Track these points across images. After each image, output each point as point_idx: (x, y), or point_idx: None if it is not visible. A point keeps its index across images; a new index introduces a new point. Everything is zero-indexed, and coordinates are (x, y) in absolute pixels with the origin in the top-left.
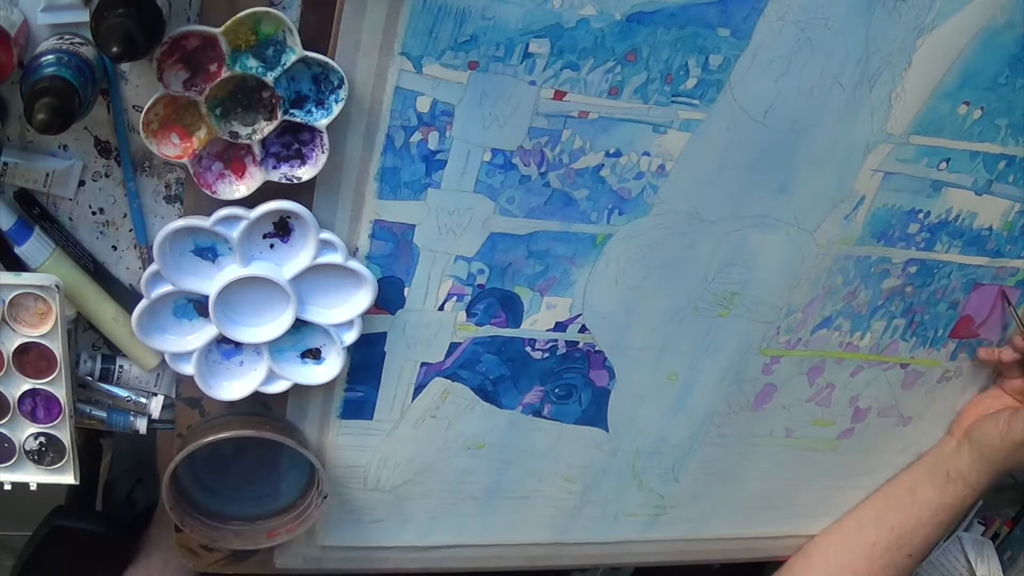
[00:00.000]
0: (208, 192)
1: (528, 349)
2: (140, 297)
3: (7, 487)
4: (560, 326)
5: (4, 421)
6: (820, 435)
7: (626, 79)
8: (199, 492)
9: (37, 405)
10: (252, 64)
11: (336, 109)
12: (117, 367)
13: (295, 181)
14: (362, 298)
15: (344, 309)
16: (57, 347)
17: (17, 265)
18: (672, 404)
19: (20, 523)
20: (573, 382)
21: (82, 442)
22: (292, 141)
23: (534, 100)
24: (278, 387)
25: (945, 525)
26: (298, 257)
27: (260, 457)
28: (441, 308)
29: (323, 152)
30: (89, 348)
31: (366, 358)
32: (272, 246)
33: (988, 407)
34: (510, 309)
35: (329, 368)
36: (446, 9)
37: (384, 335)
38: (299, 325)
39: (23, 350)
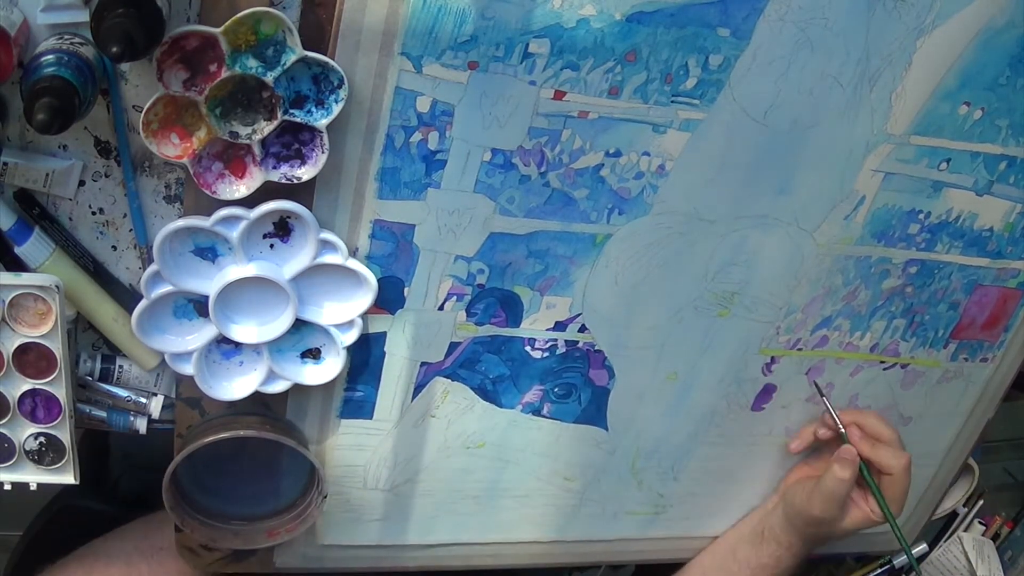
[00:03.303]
0: (208, 192)
1: (528, 348)
2: (140, 297)
3: (7, 487)
4: (560, 325)
5: (4, 421)
6: None
7: (626, 79)
8: (199, 492)
9: (37, 405)
10: (252, 64)
11: (336, 109)
12: (117, 367)
13: (295, 181)
14: (362, 298)
15: (344, 309)
16: (57, 347)
17: (17, 265)
18: (671, 403)
19: (20, 523)
20: (573, 381)
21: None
22: (292, 141)
23: (534, 100)
24: (278, 387)
25: None
26: (298, 257)
27: (260, 457)
28: (441, 308)
29: (323, 152)
30: (89, 348)
31: (366, 358)
32: (272, 246)
33: (806, 472)
34: (510, 309)
35: (329, 368)
36: (446, 9)
37: (384, 335)
38: (299, 325)
39: (23, 350)
